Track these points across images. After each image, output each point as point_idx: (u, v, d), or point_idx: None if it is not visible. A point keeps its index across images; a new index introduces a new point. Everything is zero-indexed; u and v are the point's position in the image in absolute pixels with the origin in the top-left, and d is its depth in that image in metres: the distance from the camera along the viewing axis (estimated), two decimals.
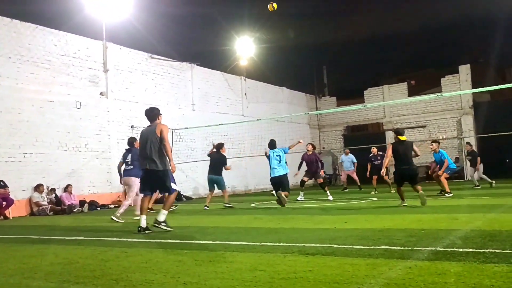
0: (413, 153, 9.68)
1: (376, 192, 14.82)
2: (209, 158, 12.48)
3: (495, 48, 31.24)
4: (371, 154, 16.09)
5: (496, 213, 7.49)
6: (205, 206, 11.95)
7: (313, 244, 5.07)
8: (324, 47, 33.94)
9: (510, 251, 4.12)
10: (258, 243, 5.43)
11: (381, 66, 36.33)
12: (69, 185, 14.75)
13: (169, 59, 20.03)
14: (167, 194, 7.32)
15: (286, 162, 11.50)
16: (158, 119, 7.27)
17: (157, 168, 6.98)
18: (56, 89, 15.32)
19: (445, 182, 12.24)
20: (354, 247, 4.80)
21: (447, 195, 11.91)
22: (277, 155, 11.31)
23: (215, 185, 12.14)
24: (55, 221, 11.07)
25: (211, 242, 5.82)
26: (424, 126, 26.07)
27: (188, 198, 18.52)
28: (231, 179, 20.02)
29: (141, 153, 7.30)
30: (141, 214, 7.14)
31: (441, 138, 24.14)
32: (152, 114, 7.30)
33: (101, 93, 16.80)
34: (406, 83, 27.44)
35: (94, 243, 6.28)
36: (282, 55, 29.65)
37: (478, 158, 15.37)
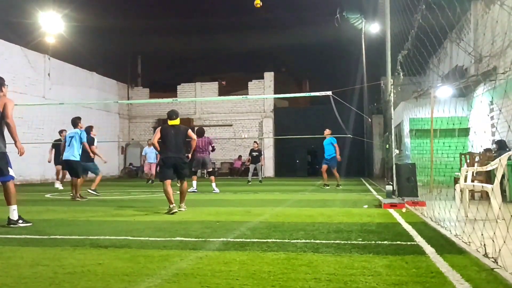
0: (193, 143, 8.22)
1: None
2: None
3: (295, 61, 35.04)
4: None
5: (282, 207, 8.36)
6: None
7: (107, 237, 4.89)
8: (140, 36, 33.14)
9: (288, 240, 4.62)
10: (46, 236, 4.99)
11: (196, 64, 37.24)
12: None
13: None
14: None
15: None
16: (2, 91, 6.05)
17: None
18: None
19: (325, 175, 14.42)
20: (150, 239, 4.78)
21: (326, 187, 14.04)
22: (69, 137, 10.34)
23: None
24: None
25: None
26: (231, 125, 27.67)
27: None
28: (26, 166, 18.03)
29: None
30: None
31: (243, 137, 25.95)
32: None
33: None
34: (217, 82, 28.72)
35: None
36: (95, 38, 27.89)
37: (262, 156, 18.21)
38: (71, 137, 10.21)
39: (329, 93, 10.30)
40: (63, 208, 8.47)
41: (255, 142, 18.72)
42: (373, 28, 22.61)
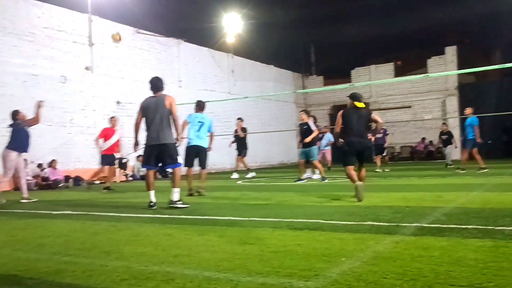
0: (374, 125, 8.19)
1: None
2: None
3: (481, 30, 31.43)
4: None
5: (479, 191, 7.65)
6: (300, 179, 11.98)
7: (300, 220, 5.14)
8: (311, 25, 33.67)
9: (493, 227, 4.23)
10: (246, 218, 5.49)
11: (368, 46, 36.23)
12: (54, 160, 14.62)
13: (155, 34, 19.74)
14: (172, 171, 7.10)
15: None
16: (164, 89, 7.09)
17: (166, 142, 6.82)
18: (40, 62, 15.05)
19: (474, 159, 13.03)
20: (341, 222, 4.88)
21: (482, 170, 12.44)
22: (199, 121, 8.93)
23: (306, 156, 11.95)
24: (41, 196, 10.99)
25: (199, 217, 5.86)
26: (410, 107, 26.30)
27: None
28: (219, 156, 20.03)
29: (148, 125, 6.86)
30: (149, 189, 6.94)
31: (425, 118, 24.42)
32: (159, 83, 7.00)
33: (86, 68, 16.54)
34: (392, 63, 27.56)
35: (82, 217, 6.26)
36: (269, 33, 29.34)
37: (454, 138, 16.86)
38: (201, 123, 8.85)
39: None
40: (255, 193, 9.20)
41: (443, 123, 17.56)
42: None
